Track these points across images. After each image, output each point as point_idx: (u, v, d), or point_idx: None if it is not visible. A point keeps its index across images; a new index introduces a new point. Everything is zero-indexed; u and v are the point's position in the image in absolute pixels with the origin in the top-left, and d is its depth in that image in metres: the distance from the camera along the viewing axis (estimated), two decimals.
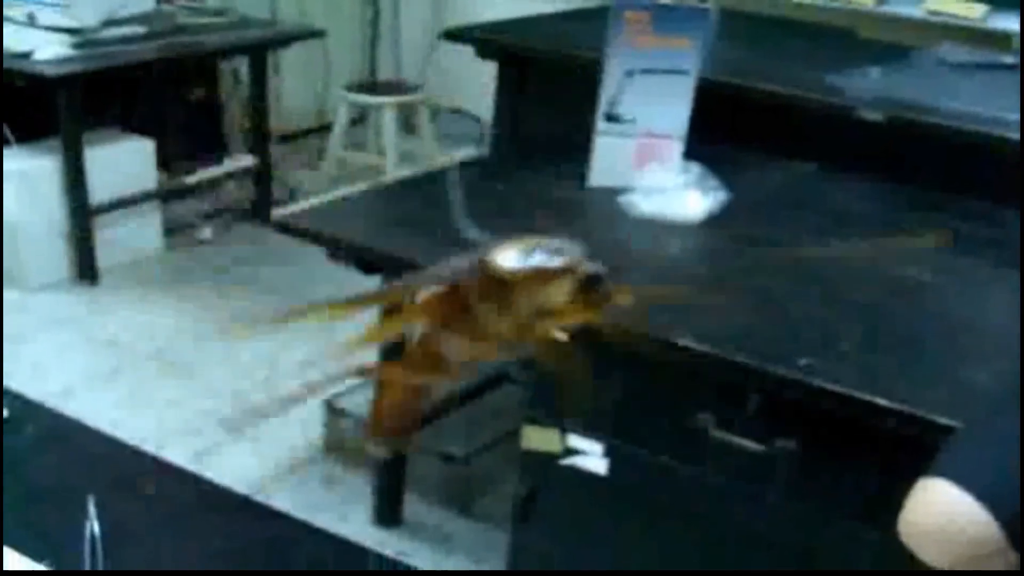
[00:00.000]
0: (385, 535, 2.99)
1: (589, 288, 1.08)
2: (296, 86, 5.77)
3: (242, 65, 4.96)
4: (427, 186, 2.70)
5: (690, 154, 2.69)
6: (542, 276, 1.07)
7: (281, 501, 3.10)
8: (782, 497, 2.06)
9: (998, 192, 2.69)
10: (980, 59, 3.46)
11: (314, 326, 1.23)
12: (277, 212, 4.53)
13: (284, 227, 2.54)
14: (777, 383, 1.92)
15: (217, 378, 3.69)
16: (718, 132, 2.76)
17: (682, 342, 1.97)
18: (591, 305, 1.09)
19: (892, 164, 2.88)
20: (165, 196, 4.67)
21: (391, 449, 2.16)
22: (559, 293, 1.08)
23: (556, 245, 1.08)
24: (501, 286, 1.07)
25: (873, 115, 2.85)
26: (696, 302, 1.98)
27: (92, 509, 2.67)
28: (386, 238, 2.41)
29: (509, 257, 1.07)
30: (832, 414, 1.90)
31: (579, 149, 2.71)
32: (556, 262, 1.07)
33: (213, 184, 4.91)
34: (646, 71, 2.61)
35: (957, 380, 1.94)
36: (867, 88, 3.03)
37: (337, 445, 3.30)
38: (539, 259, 1.06)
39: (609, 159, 2.69)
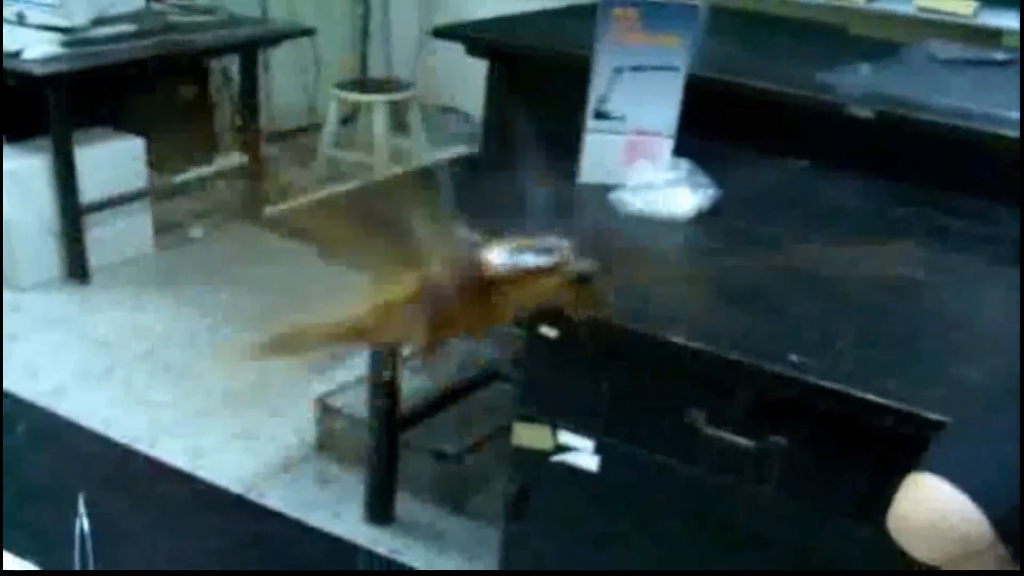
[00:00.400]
0: (378, 533, 2.99)
1: (579, 286, 1.08)
2: (287, 85, 5.76)
3: (232, 64, 4.95)
4: (417, 184, 2.70)
5: (680, 151, 2.68)
6: (532, 275, 1.06)
7: (274, 499, 3.10)
8: (774, 494, 2.06)
9: (990, 189, 2.69)
10: (971, 55, 3.45)
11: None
12: (268, 210, 4.53)
13: (275, 225, 2.53)
14: (769, 380, 1.92)
15: (209, 377, 3.68)
16: (708, 129, 2.75)
17: (674, 339, 1.97)
18: (581, 303, 1.09)
19: (883, 161, 2.88)
20: (156, 195, 4.66)
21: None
22: (548, 291, 1.08)
23: (546, 243, 1.08)
24: (491, 284, 1.07)
25: (864, 112, 2.85)
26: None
27: (83, 507, 2.67)
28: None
29: (499, 256, 1.07)
30: (824, 411, 1.90)
31: (570, 146, 2.70)
32: (545, 260, 1.06)
33: (204, 183, 4.90)
34: (635, 68, 2.61)
35: (950, 377, 1.94)
36: (858, 85, 3.03)
37: (330, 443, 3.29)
38: (529, 258, 1.06)
39: (599, 156, 2.69)
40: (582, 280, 1.08)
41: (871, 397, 1.84)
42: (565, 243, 1.09)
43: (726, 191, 2.59)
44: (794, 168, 2.88)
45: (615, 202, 2.57)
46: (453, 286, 1.09)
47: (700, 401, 2.06)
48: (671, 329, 1.98)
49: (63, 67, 4.01)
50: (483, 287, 1.08)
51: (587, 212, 2.62)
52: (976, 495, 1.49)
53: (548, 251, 1.08)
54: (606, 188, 2.61)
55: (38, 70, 3.94)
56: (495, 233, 1.11)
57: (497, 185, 2.71)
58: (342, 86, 5.37)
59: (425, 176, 2.66)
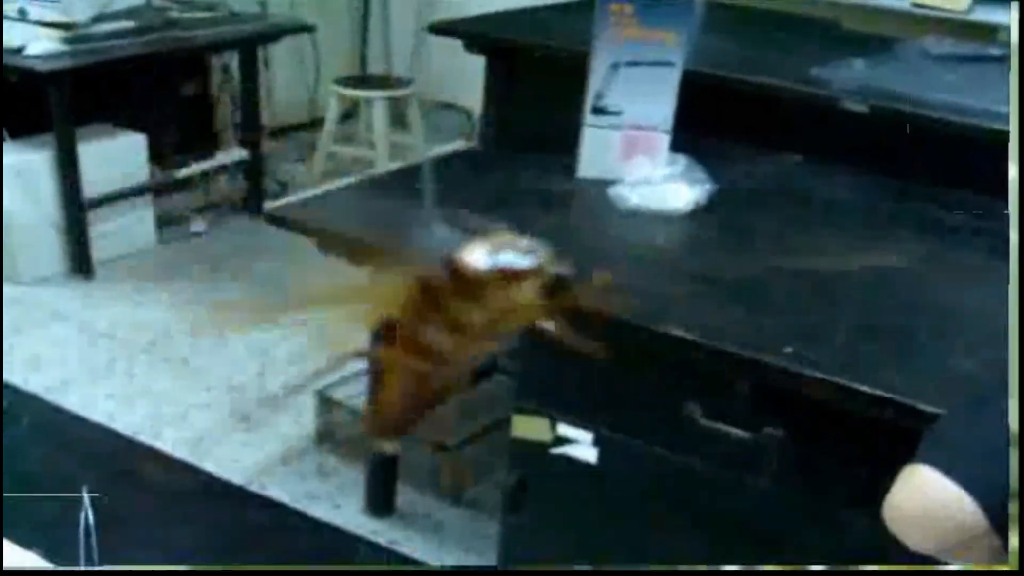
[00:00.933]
0: (378, 524, 2.99)
1: (556, 290, 1.07)
2: (288, 81, 5.75)
3: (232, 60, 4.94)
4: (415, 178, 2.70)
5: (677, 146, 2.68)
6: (509, 276, 1.06)
7: (275, 491, 3.11)
8: (770, 485, 2.06)
9: (986, 183, 2.68)
10: (965, 51, 3.45)
11: (307, 319, 1.21)
12: (269, 205, 4.53)
13: (276, 219, 2.54)
14: (764, 371, 1.92)
15: (211, 370, 3.68)
16: (705, 124, 2.75)
17: (671, 331, 1.97)
18: (557, 307, 1.08)
19: (879, 155, 2.87)
20: (158, 190, 4.66)
21: (395, 443, 2.14)
22: (525, 294, 1.07)
23: (526, 245, 1.07)
24: (468, 284, 1.07)
25: (859, 107, 2.84)
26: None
27: (86, 499, 2.67)
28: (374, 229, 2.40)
29: (477, 255, 1.06)
30: (819, 402, 1.90)
31: (569, 142, 2.70)
32: (524, 262, 1.06)
33: (205, 178, 4.89)
34: (631, 64, 2.60)
35: (943, 368, 1.94)
36: (852, 79, 3.02)
37: (330, 436, 3.29)
38: (507, 259, 1.06)
39: (597, 151, 2.69)
40: (560, 284, 1.07)
41: (865, 388, 1.84)
42: (545, 246, 1.08)
43: (723, 186, 2.59)
44: (789, 163, 2.88)
45: (613, 197, 2.57)
46: (438, 288, 1.09)
47: (697, 393, 2.06)
48: (667, 322, 1.98)
49: (66, 63, 4.00)
50: (462, 288, 1.08)
51: (585, 207, 2.62)
52: (970, 485, 1.49)
53: (528, 252, 1.07)
54: (605, 183, 2.61)
55: (41, 66, 3.92)
56: (476, 233, 1.10)
57: (496, 180, 2.72)
58: (342, 82, 5.36)
59: (417, 173, 2.67)
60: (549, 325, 1.14)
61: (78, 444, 3.30)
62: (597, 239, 2.45)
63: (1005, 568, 1.47)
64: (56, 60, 3.99)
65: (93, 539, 2.55)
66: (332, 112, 5.33)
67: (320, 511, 3.03)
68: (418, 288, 1.10)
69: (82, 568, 2.48)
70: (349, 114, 5.64)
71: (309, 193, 3.85)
